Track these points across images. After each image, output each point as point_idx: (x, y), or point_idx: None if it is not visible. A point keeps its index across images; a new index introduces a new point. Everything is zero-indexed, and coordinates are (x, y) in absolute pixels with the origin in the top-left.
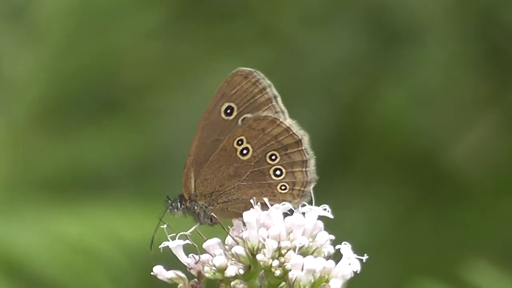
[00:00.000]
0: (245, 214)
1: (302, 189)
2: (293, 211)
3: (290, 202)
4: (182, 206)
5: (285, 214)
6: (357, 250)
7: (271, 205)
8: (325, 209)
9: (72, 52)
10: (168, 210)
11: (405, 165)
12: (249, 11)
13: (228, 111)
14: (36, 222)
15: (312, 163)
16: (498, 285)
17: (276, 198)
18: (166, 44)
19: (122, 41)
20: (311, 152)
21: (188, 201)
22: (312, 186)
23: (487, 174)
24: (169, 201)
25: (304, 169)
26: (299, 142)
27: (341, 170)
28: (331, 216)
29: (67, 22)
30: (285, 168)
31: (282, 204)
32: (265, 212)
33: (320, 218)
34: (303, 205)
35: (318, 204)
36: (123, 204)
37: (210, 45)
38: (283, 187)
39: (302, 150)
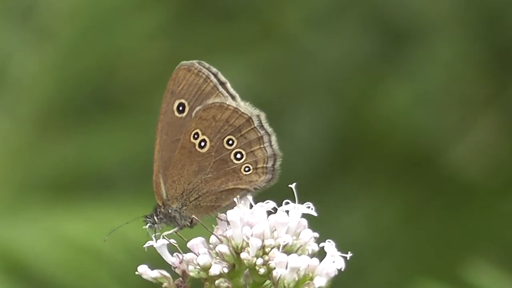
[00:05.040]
0: (229, 212)
1: (265, 165)
2: (277, 209)
3: (256, 181)
4: (159, 215)
5: (269, 212)
6: (360, 250)
7: (239, 189)
8: (308, 207)
9: (77, 53)
10: (148, 227)
11: (408, 165)
12: (252, 10)
13: (180, 108)
14: (40, 222)
15: (270, 138)
16: (501, 286)
17: (243, 181)
18: (168, 44)
19: (125, 42)
20: (269, 128)
21: (162, 207)
22: (276, 161)
23: (490, 174)
24: (147, 218)
25: (262, 146)
26: (249, 120)
27: (345, 169)
28: (315, 214)
29: (73, 23)
30: (244, 150)
31: (266, 202)
32: (249, 210)
33: (323, 219)
34: (287, 203)
35: (324, 203)
36: (126, 204)
37: (212, 45)
38: (246, 169)
39: (254, 127)
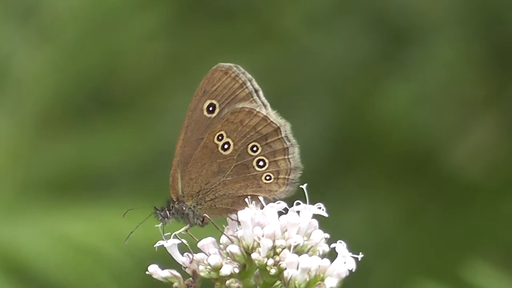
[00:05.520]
0: (240, 213)
1: (286, 177)
2: (288, 209)
3: (276, 191)
4: (171, 210)
5: (280, 213)
6: (360, 250)
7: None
8: (320, 208)
9: (78, 53)
10: (160, 221)
11: (408, 165)
12: (252, 10)
13: (210, 108)
14: (40, 222)
15: (294, 150)
16: (501, 286)
17: (262, 189)
18: (168, 44)
19: (126, 42)
20: (293, 139)
21: (176, 202)
22: (297, 173)
23: (490, 174)
24: (158, 211)
25: (286, 157)
26: (278, 130)
27: (345, 169)
28: (326, 215)
29: (74, 23)
30: (267, 158)
31: (277, 203)
32: (260, 210)
33: (322, 218)
34: (298, 204)
35: (321, 202)
36: (127, 204)
37: (212, 44)
38: (267, 177)
39: (281, 138)
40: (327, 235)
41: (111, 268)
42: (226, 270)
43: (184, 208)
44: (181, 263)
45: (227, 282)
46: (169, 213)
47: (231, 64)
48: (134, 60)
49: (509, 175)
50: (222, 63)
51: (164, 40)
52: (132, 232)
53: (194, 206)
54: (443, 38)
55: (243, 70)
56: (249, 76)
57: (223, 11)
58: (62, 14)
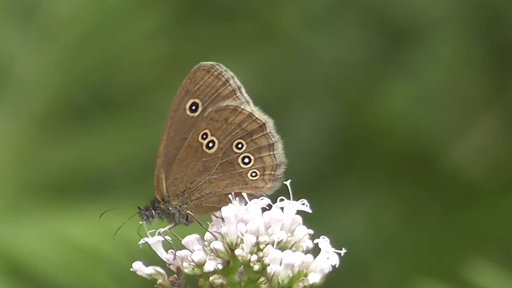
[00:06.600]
0: (223, 209)
1: (272, 173)
2: (272, 206)
3: (263, 187)
4: (157, 211)
5: (264, 209)
6: (360, 249)
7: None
8: (303, 204)
9: (79, 53)
10: (144, 220)
11: (408, 164)
12: (252, 10)
13: (193, 107)
14: (41, 223)
15: (279, 145)
16: (502, 285)
17: (248, 186)
18: (168, 44)
19: (126, 42)
20: (277, 135)
21: (162, 203)
22: (282, 169)
23: (490, 174)
24: (142, 211)
25: (272, 153)
26: (263, 126)
27: (345, 169)
28: (310, 211)
29: (75, 23)
30: (252, 155)
31: (261, 199)
32: (243, 207)
33: (323, 218)
34: (281, 200)
35: (321, 201)
36: (127, 204)
37: (212, 44)
38: (253, 174)
39: (266, 134)
40: (311, 231)
41: (112, 269)
42: (210, 266)
43: (170, 208)
44: (165, 259)
45: (211, 278)
46: (154, 213)
47: (213, 63)
48: (134, 60)
49: (509, 175)
50: (203, 62)
51: (164, 40)
52: (120, 226)
53: (180, 206)
54: (443, 38)
55: (225, 67)
56: (231, 73)
57: (223, 11)
58: (63, 14)
